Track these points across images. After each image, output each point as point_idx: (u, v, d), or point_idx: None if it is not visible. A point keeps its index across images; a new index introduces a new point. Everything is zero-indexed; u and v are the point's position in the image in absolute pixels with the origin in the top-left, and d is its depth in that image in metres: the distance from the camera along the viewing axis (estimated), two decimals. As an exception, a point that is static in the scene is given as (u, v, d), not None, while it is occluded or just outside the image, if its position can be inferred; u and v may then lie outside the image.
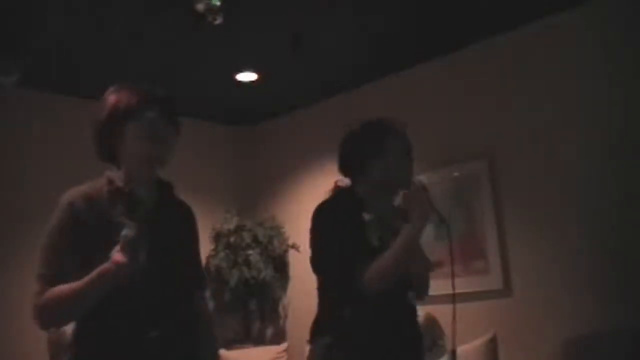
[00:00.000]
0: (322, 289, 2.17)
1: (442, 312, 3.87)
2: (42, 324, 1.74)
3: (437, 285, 4.29)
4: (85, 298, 1.66)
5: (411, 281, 2.17)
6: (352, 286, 2.02)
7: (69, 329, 1.80)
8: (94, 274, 1.62)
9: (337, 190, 2.27)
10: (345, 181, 2.28)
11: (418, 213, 2.05)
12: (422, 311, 3.53)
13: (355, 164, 2.23)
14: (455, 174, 4.32)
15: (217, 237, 5.06)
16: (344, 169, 2.28)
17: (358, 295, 2.02)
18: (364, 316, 2.06)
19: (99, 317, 1.69)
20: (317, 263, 2.15)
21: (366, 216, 2.14)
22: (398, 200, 2.20)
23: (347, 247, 2.07)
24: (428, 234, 4.68)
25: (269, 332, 5.23)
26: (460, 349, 3.62)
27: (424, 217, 2.05)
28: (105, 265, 1.61)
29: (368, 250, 2.08)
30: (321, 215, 2.18)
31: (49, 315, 1.71)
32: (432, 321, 3.68)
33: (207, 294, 2.03)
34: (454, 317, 2.17)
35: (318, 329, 2.14)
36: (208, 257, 4.99)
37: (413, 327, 2.21)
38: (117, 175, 1.81)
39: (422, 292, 2.25)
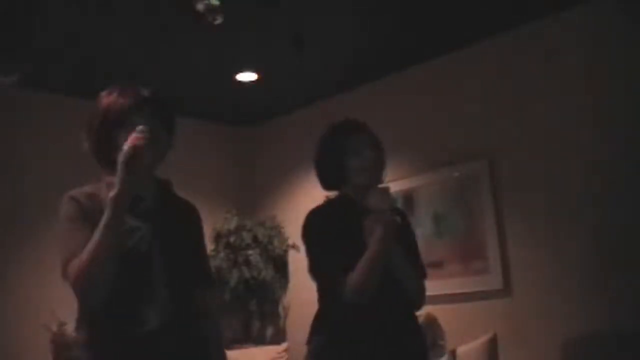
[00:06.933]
0: (319, 292, 2.20)
1: (442, 312, 3.87)
2: (84, 292, 1.66)
3: (437, 285, 4.29)
4: (110, 237, 1.62)
5: (405, 289, 2.17)
6: (339, 294, 2.04)
7: (71, 328, 1.79)
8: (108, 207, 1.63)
9: (331, 197, 2.30)
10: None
11: (382, 224, 2.03)
12: (422, 311, 3.55)
13: (333, 173, 2.23)
14: (455, 174, 4.32)
15: (217, 237, 5.06)
16: (326, 183, 2.28)
17: (345, 303, 2.04)
18: (358, 320, 2.07)
19: (101, 314, 1.69)
20: (310, 270, 2.17)
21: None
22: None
23: (331, 256, 2.09)
24: (426, 233, 4.67)
25: (269, 332, 5.23)
26: (460, 349, 3.62)
27: (390, 227, 2.03)
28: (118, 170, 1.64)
29: None
30: (308, 222, 2.21)
31: (87, 277, 1.62)
32: (432, 321, 3.68)
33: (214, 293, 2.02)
34: None
35: (315, 329, 2.17)
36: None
37: (410, 333, 2.20)
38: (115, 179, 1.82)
39: (416, 300, 2.24)
